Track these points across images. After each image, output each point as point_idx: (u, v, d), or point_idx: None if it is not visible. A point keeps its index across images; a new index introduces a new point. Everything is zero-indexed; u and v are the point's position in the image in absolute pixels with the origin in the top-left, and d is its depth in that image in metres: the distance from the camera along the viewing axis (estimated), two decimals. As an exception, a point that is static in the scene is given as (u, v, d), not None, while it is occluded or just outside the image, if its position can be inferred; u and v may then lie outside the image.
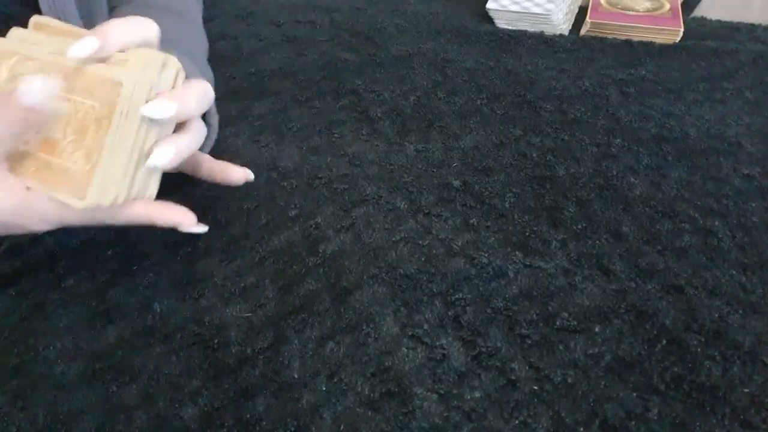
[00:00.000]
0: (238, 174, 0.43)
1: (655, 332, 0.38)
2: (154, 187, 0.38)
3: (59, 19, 0.39)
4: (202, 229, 0.40)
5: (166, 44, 0.39)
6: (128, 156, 0.35)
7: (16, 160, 0.36)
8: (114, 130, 0.34)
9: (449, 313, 0.39)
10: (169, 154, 0.36)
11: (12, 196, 0.35)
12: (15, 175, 0.35)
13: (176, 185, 0.43)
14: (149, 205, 0.38)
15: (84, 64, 0.34)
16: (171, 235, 0.46)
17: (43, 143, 0.35)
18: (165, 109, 0.34)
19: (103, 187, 0.35)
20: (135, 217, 0.38)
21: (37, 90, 0.33)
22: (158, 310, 0.41)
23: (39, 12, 0.41)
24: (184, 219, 0.39)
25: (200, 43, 0.55)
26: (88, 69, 0.34)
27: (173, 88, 0.36)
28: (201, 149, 0.47)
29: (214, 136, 0.48)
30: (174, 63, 0.36)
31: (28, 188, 0.35)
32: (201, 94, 0.37)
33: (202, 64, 0.52)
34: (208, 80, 0.47)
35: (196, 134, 0.38)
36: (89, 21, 0.46)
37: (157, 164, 0.35)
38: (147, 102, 0.34)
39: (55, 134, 0.35)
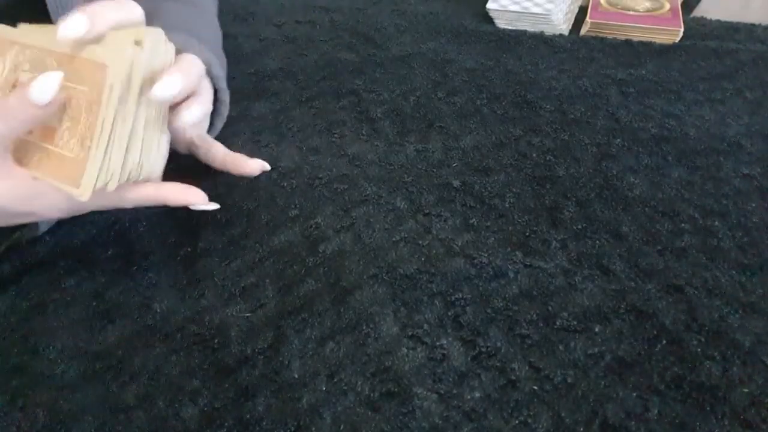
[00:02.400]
0: (251, 166, 0.43)
1: (655, 332, 0.38)
2: (159, 167, 0.38)
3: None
4: (214, 206, 0.40)
5: (180, 32, 0.39)
6: (125, 138, 0.34)
7: (20, 150, 0.35)
8: (103, 113, 0.33)
9: (449, 313, 0.39)
10: (176, 84, 0.34)
11: (20, 185, 0.35)
12: (20, 167, 0.35)
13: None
14: (159, 186, 0.38)
15: (76, 49, 0.33)
16: (171, 235, 0.46)
17: (44, 132, 0.35)
18: (172, 85, 0.34)
19: (99, 172, 0.34)
20: (145, 198, 0.38)
21: (48, 88, 0.32)
22: (158, 310, 0.41)
23: (45, 8, 0.41)
24: (195, 198, 0.39)
25: (214, 32, 0.55)
26: (79, 54, 0.33)
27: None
28: (213, 126, 0.48)
29: (225, 113, 0.48)
30: (158, 36, 0.35)
31: (34, 178, 0.35)
32: (196, 67, 0.37)
33: (218, 52, 0.52)
34: (222, 66, 0.48)
35: (206, 93, 0.39)
36: None
37: (160, 96, 0.34)
38: (140, 80, 0.34)
39: (53, 122, 0.34)
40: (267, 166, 0.44)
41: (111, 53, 0.33)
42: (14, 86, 0.35)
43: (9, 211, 0.36)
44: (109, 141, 0.34)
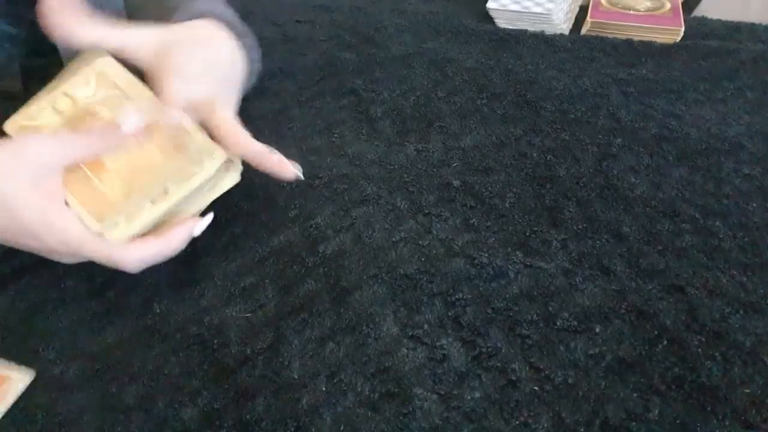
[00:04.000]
0: (288, 169, 0.41)
1: (656, 332, 0.38)
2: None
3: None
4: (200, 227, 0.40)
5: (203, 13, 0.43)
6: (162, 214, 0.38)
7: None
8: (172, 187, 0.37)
9: (449, 314, 0.39)
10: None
11: (49, 205, 0.35)
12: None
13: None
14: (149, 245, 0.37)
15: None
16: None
17: (92, 161, 0.37)
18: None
19: (127, 222, 0.36)
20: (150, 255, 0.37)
21: (135, 119, 0.37)
22: (158, 310, 0.41)
23: None
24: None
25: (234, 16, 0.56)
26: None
27: None
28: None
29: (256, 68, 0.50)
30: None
31: (67, 203, 0.36)
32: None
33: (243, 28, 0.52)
34: (252, 43, 0.50)
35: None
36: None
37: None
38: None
39: (107, 158, 0.37)
40: (297, 176, 0.41)
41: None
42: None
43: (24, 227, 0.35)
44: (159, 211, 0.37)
